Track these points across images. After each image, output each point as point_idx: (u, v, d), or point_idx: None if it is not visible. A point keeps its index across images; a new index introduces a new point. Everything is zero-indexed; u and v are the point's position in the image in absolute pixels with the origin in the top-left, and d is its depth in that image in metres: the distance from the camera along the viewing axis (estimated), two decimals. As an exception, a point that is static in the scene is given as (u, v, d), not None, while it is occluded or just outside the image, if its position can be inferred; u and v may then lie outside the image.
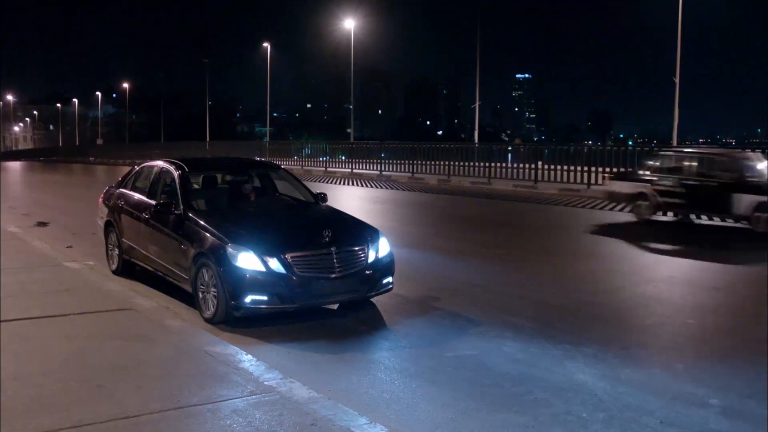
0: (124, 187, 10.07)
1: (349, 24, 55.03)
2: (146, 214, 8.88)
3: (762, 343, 6.71)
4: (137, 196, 9.54)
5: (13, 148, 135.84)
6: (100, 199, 10.72)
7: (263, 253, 7.16)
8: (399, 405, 5.24)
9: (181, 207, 8.22)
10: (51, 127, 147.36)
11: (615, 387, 5.58)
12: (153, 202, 8.80)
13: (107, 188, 10.76)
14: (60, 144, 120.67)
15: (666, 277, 9.79)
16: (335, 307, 8.03)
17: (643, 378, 5.81)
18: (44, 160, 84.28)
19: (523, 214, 18.75)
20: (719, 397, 5.38)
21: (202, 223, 7.82)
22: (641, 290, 9.01)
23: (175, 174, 8.79)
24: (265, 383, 5.26)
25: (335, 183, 30.61)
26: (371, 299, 8.13)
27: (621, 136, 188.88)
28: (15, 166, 64.83)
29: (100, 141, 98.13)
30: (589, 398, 5.35)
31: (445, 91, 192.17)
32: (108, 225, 10.17)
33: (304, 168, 39.77)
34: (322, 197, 9.25)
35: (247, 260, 7.13)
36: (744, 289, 9.21)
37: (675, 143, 35.25)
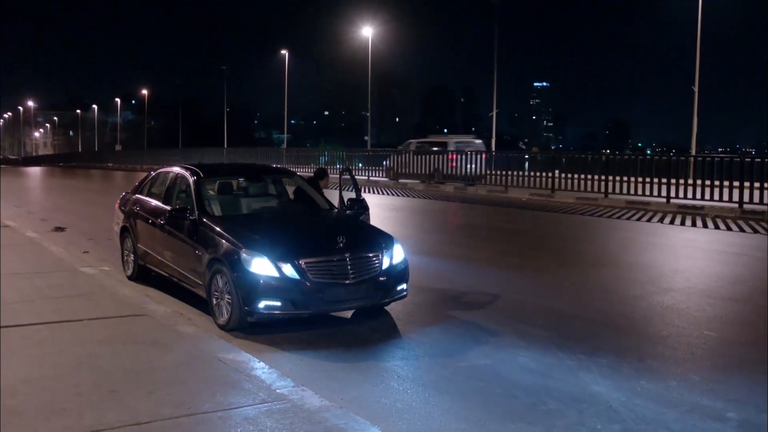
0: (140, 193, 10.12)
1: (367, 31, 55.29)
2: (161, 220, 8.90)
3: (781, 356, 6.61)
4: (153, 201, 9.57)
5: (33, 154, 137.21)
6: (116, 205, 10.78)
7: (277, 258, 7.15)
8: (411, 414, 5.20)
9: (196, 213, 8.24)
10: (71, 132, 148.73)
11: (630, 398, 5.51)
12: (168, 208, 8.82)
13: (123, 194, 10.82)
14: (79, 149, 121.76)
15: (684, 287, 9.68)
16: (349, 314, 8.01)
17: (659, 390, 5.73)
18: (63, 165, 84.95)
19: (539, 223, 18.66)
20: (736, 411, 5.30)
21: (216, 228, 7.83)
22: (658, 300, 8.91)
23: (191, 180, 8.81)
24: (277, 391, 5.24)
25: (351, 190, 30.58)
26: (385, 306, 8.10)
27: (639, 144, 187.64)
28: (35, 171, 65.44)
29: (118, 147, 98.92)
30: (603, 410, 5.29)
31: (462, 99, 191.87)
32: (123, 230, 10.20)
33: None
34: (362, 203, 9.31)
35: (261, 266, 7.12)
36: (763, 300, 9.09)
37: (694, 152, 35.04)
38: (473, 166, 29.29)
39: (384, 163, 35.85)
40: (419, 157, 32.18)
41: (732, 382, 5.97)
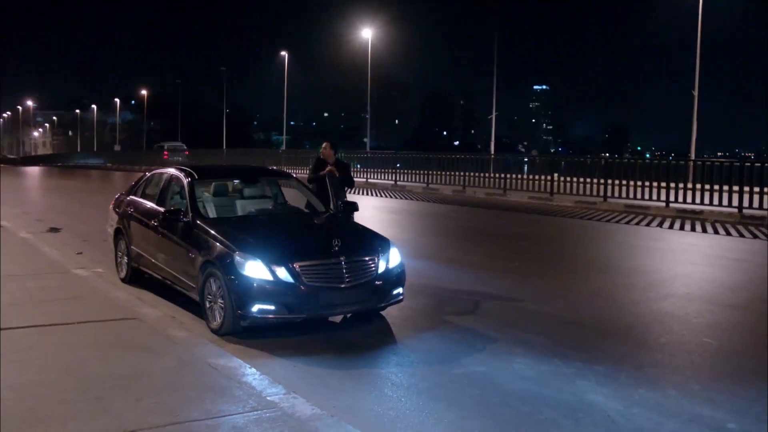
0: (134, 194, 10.01)
1: (367, 33, 55.16)
2: (155, 222, 8.79)
3: (782, 365, 6.50)
4: (147, 203, 9.46)
5: (32, 153, 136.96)
6: (111, 206, 10.67)
7: (271, 261, 7.04)
8: (404, 423, 5.08)
9: (190, 214, 8.12)
10: (69, 132, 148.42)
11: (628, 408, 5.40)
12: (162, 210, 8.72)
13: (118, 195, 10.71)
14: (78, 149, 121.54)
15: (683, 293, 9.57)
16: (342, 318, 7.90)
17: (657, 399, 5.62)
18: (62, 165, 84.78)
19: (537, 227, 18.56)
20: (737, 421, 5.19)
21: (210, 230, 7.72)
22: (657, 306, 8.80)
23: (185, 181, 8.71)
24: (268, 398, 5.12)
25: (350, 192, 30.46)
26: (381, 311, 7.99)
27: (639, 148, 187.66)
28: (33, 170, 65.29)
29: (117, 147, 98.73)
30: (600, 419, 5.18)
31: (461, 102, 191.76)
32: (117, 232, 10.10)
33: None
34: (350, 205, 9.23)
35: (255, 269, 7.01)
36: (763, 307, 8.98)
37: (693, 156, 34.95)
38: (179, 158, 56.13)
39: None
40: (161, 153, 60.18)
41: (732, 391, 5.87)
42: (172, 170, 9.43)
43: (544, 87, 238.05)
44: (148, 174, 10.29)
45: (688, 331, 7.67)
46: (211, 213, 8.49)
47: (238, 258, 7.10)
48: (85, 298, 8.30)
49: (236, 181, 9.53)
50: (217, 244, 7.46)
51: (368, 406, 5.39)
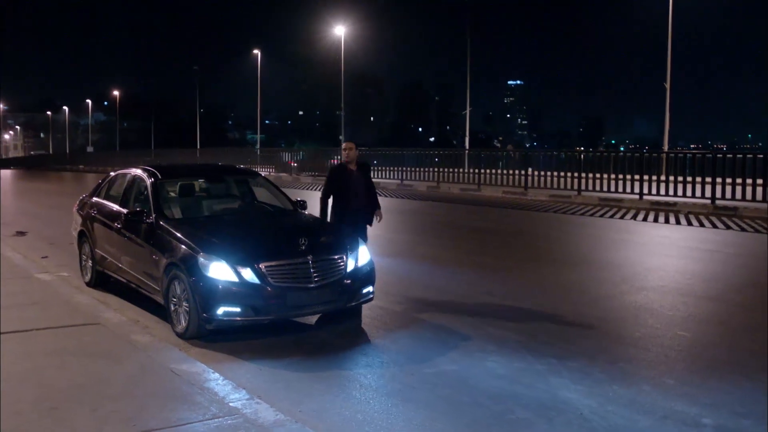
0: (98, 196, 9.76)
1: (340, 31, 54.95)
2: (118, 224, 8.56)
3: (757, 357, 6.43)
4: (110, 204, 9.22)
5: (3, 156, 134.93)
6: (75, 208, 10.40)
7: (236, 262, 6.85)
8: (372, 427, 4.91)
9: (153, 215, 7.90)
10: (42, 135, 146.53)
11: (602, 405, 5.28)
12: (125, 211, 8.49)
13: (82, 197, 10.45)
14: (50, 151, 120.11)
15: (657, 285, 9.50)
16: (313, 319, 7.73)
17: (631, 395, 5.51)
18: (34, 168, 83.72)
19: (511, 222, 18.48)
20: (712, 416, 5.08)
21: (174, 232, 7.50)
22: (631, 300, 8.72)
23: (148, 181, 8.48)
24: (230, 405, 4.94)
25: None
26: (351, 311, 7.83)
27: (613, 141, 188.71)
28: (5, 174, 64.30)
29: (90, 148, 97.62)
30: (574, 418, 5.05)
31: (436, 98, 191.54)
32: (81, 235, 9.84)
33: (293, 175, 39.56)
34: (302, 204, 8.95)
35: (219, 270, 6.81)
36: (738, 298, 8.93)
37: (666, 148, 35.11)
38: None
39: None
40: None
41: (706, 385, 5.77)
42: (135, 170, 9.19)
43: (518, 82, 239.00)
44: (112, 174, 10.04)
45: (662, 325, 7.58)
46: (176, 213, 8.27)
47: (201, 259, 6.89)
48: (47, 304, 8.06)
49: (201, 180, 9.31)
50: (181, 245, 7.25)
51: (335, 410, 5.22)
